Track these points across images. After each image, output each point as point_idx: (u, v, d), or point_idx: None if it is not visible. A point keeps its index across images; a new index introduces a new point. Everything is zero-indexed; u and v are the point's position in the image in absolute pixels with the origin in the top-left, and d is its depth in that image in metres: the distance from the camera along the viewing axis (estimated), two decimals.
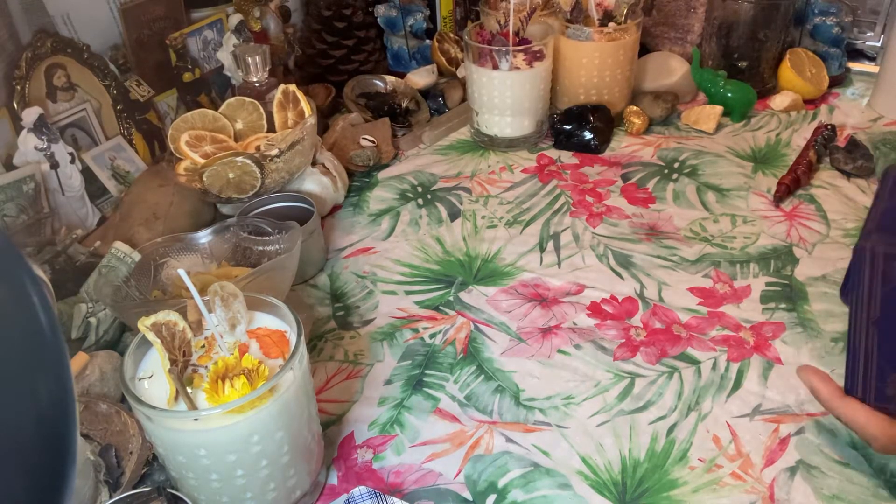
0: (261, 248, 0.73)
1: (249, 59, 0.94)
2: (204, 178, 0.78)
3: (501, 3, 1.07)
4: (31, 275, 0.26)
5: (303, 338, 0.51)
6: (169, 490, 0.50)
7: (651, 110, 1.07)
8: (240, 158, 0.78)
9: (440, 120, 1.11)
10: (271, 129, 0.87)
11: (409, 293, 0.79)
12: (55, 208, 0.82)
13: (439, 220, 0.91)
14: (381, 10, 1.20)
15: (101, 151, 0.90)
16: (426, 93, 1.16)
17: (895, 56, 1.04)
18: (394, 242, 0.88)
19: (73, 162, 0.83)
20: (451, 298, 0.78)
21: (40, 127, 0.79)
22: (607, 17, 1.03)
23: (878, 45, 1.18)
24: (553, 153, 1.04)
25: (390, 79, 1.17)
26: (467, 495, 0.57)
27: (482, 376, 0.68)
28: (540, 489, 0.57)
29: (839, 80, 1.16)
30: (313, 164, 0.90)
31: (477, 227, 0.89)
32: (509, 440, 0.62)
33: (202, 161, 0.79)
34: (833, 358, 0.67)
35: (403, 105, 1.12)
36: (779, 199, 0.89)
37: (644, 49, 1.14)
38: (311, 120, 0.84)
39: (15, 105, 0.79)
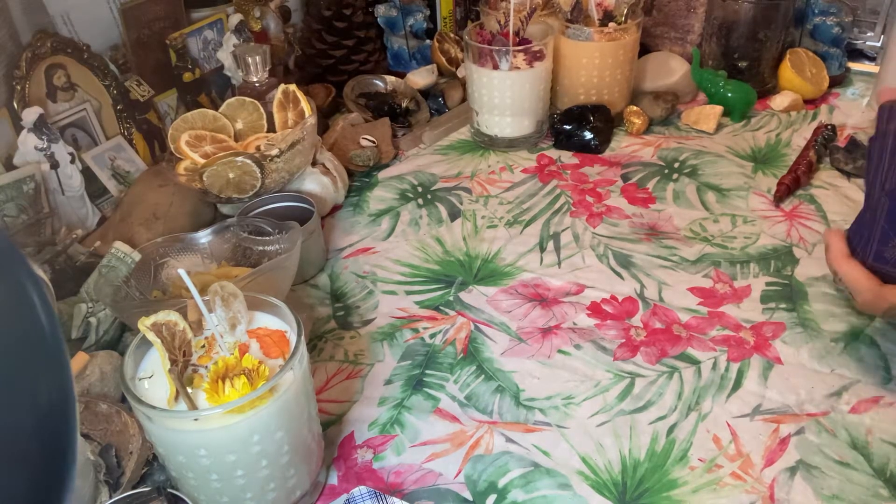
0: (261, 248, 0.73)
1: (249, 59, 0.94)
2: (204, 178, 0.78)
3: (501, 3, 1.07)
4: (31, 275, 0.26)
5: (303, 338, 0.52)
6: (169, 490, 0.50)
7: (651, 110, 1.07)
8: (240, 158, 0.78)
9: (440, 120, 1.11)
10: (271, 129, 0.87)
11: (409, 293, 0.79)
12: (55, 208, 0.82)
13: (439, 220, 0.91)
14: (381, 10, 1.20)
15: (101, 151, 0.90)
16: (426, 93, 1.16)
17: (895, 56, 1.04)
18: (394, 242, 0.88)
19: (73, 162, 0.83)
20: (451, 298, 0.78)
21: (40, 127, 0.79)
22: (607, 17, 1.03)
23: (878, 45, 1.18)
24: (553, 153, 1.04)
25: (390, 79, 1.17)
26: (467, 495, 0.57)
27: (482, 376, 0.68)
28: (540, 489, 0.57)
29: (839, 80, 1.16)
30: (313, 164, 0.90)
31: (477, 227, 0.89)
32: (509, 440, 0.62)
33: (202, 161, 0.79)
34: (833, 358, 0.67)
35: (403, 105, 1.12)
36: (779, 199, 0.89)
37: (644, 49, 1.14)
38: (311, 120, 0.84)
39: (15, 105, 0.79)
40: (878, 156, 0.60)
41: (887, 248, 0.57)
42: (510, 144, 1.05)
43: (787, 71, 1.11)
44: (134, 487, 0.57)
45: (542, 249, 0.84)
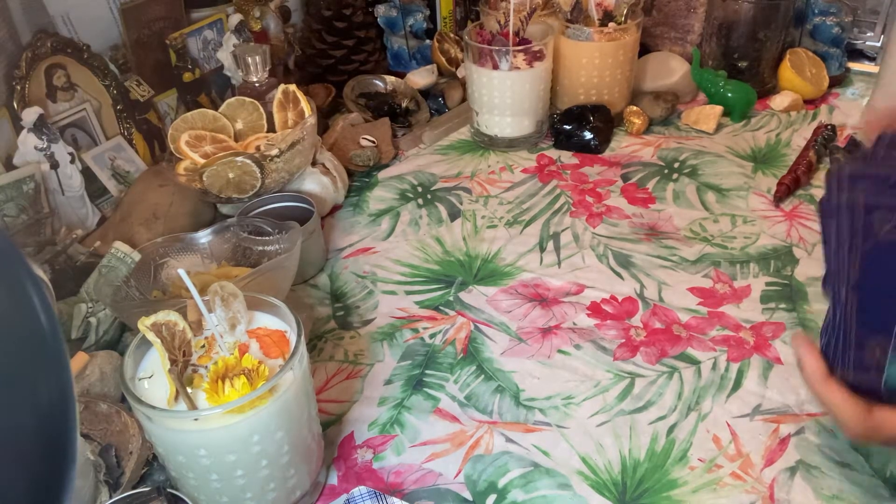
0: (261, 248, 0.73)
1: (249, 59, 0.94)
2: (204, 178, 0.78)
3: (501, 3, 1.07)
4: (31, 275, 0.26)
5: (303, 338, 0.52)
6: (169, 490, 0.50)
7: (651, 110, 1.07)
8: (240, 158, 0.78)
9: (440, 120, 1.11)
10: (271, 129, 0.87)
11: (409, 293, 0.79)
12: (55, 208, 0.82)
13: (439, 220, 0.91)
14: (381, 10, 1.20)
15: (101, 151, 0.90)
16: (426, 93, 1.16)
17: (895, 56, 1.04)
18: (394, 242, 0.88)
19: (73, 162, 0.83)
20: (451, 298, 0.78)
21: (40, 127, 0.79)
22: (607, 17, 1.03)
23: (878, 45, 1.18)
24: (553, 153, 1.04)
25: (390, 79, 1.17)
26: (467, 495, 0.57)
27: (482, 376, 0.68)
28: (540, 489, 0.57)
29: (839, 80, 1.16)
30: (313, 164, 0.90)
31: (477, 227, 0.89)
32: (509, 440, 0.62)
33: (202, 161, 0.79)
34: None
35: (403, 105, 1.12)
36: (779, 199, 0.89)
37: (644, 49, 1.14)
38: (311, 120, 0.84)
39: (15, 105, 0.79)
40: (836, 241, 0.50)
41: (866, 352, 0.49)
42: (510, 144, 1.05)
43: (787, 71, 1.11)
44: (134, 487, 0.57)
45: (542, 249, 0.84)
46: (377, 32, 1.23)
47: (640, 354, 0.69)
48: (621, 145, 1.05)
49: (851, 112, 1.09)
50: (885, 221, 0.48)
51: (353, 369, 0.70)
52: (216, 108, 0.86)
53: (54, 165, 0.81)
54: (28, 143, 0.79)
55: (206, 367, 0.52)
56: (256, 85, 0.95)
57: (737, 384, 0.66)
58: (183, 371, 0.51)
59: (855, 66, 1.19)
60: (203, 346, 0.54)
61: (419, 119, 1.11)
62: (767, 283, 0.77)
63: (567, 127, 1.03)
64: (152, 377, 0.52)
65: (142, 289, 0.69)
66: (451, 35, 1.25)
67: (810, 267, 0.79)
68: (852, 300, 0.49)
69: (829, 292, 0.52)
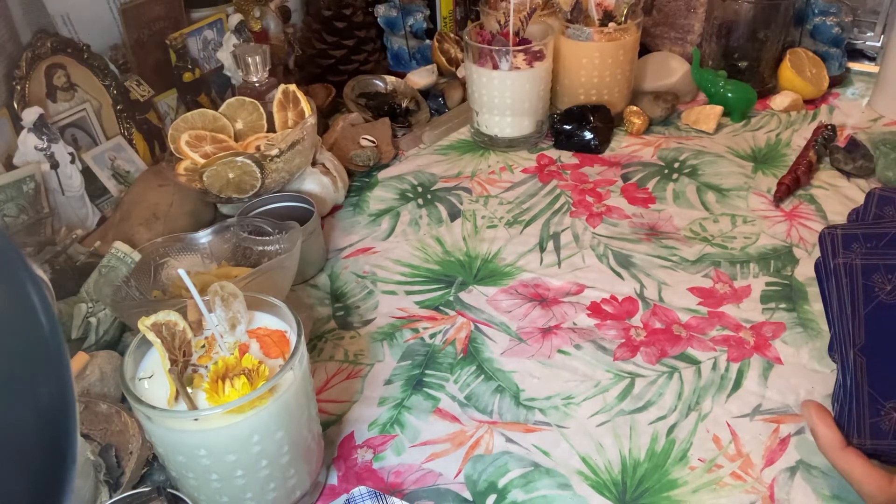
0: (261, 248, 0.73)
1: (249, 59, 0.94)
2: (204, 178, 0.78)
3: (501, 3, 1.08)
4: (32, 275, 0.26)
5: (303, 338, 0.52)
6: (169, 490, 0.50)
7: (651, 110, 1.07)
8: (240, 158, 0.78)
9: (440, 120, 1.11)
10: (271, 129, 0.87)
11: (409, 293, 0.79)
12: (55, 208, 0.82)
13: (439, 220, 0.91)
14: (381, 10, 1.20)
15: (101, 151, 0.90)
16: (426, 93, 1.16)
17: (895, 56, 1.04)
18: (394, 242, 0.88)
19: (73, 162, 0.83)
20: (451, 298, 0.78)
21: (40, 127, 0.79)
22: (607, 17, 1.03)
23: (878, 45, 1.18)
24: (553, 153, 1.04)
25: (390, 79, 1.17)
26: (467, 495, 0.57)
27: (482, 376, 0.68)
28: (540, 489, 0.57)
29: (839, 80, 1.16)
30: (313, 164, 0.90)
31: (477, 227, 0.89)
32: (509, 440, 0.62)
33: (202, 161, 0.79)
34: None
35: (403, 105, 1.12)
36: (779, 199, 0.89)
37: (644, 49, 1.14)
38: (311, 120, 0.84)
39: (15, 105, 0.79)
40: (838, 305, 0.51)
41: (881, 419, 0.48)
42: (510, 144, 1.05)
43: (787, 71, 1.11)
44: (134, 487, 0.57)
45: (542, 249, 0.84)
46: (377, 32, 1.23)
47: (640, 354, 0.69)
48: (621, 145, 1.05)
49: (851, 112, 1.09)
50: (886, 283, 0.49)
51: (353, 369, 0.70)
52: (216, 108, 0.86)
53: (54, 165, 0.81)
54: (28, 143, 0.79)
55: (206, 367, 0.52)
56: (256, 85, 0.95)
57: (737, 384, 0.66)
58: (183, 371, 0.51)
59: (855, 66, 1.19)
60: (203, 346, 0.54)
61: (419, 119, 1.11)
62: (767, 283, 0.77)
63: (567, 127, 1.03)
64: (152, 377, 0.52)
65: (142, 289, 0.69)
66: (451, 35, 1.25)
67: (810, 267, 0.79)
68: (861, 365, 0.49)
69: (836, 358, 0.52)
